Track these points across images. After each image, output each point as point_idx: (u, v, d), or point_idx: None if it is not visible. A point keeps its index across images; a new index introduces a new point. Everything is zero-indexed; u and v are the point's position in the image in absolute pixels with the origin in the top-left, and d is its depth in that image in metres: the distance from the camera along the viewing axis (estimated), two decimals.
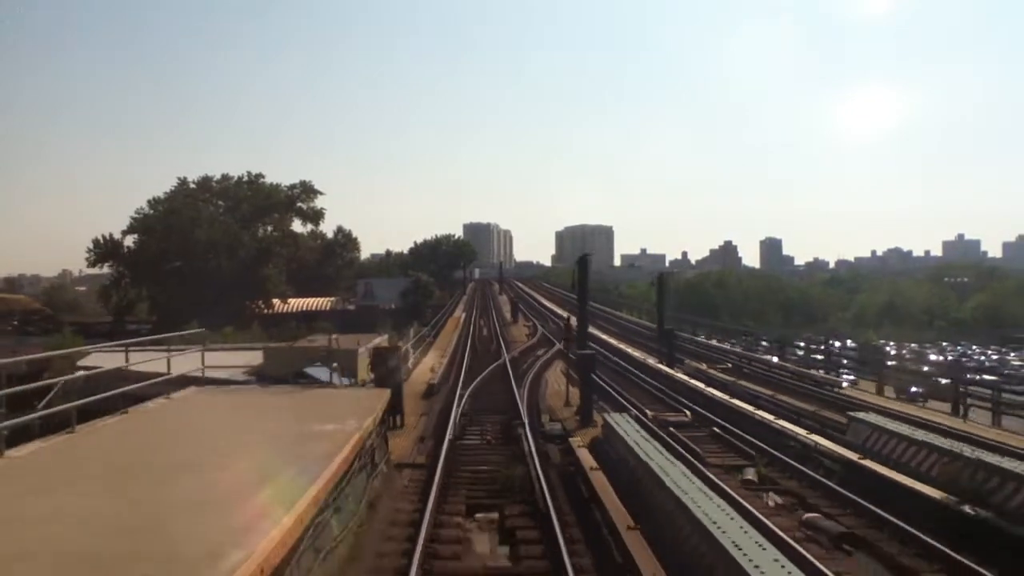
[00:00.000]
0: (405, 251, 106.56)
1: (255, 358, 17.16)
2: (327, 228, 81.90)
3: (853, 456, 13.29)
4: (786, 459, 14.20)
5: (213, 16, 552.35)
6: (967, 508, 10.24)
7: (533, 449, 13.95)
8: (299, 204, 75.40)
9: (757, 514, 10.03)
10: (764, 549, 7.23)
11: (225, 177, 74.42)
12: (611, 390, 22.42)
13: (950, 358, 46.87)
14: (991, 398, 18.15)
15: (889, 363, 28.50)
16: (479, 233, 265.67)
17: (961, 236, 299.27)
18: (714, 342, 37.68)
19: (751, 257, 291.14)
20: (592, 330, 33.89)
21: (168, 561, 5.37)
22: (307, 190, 75.42)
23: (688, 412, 19.10)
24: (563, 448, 15.06)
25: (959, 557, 8.98)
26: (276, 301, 68.89)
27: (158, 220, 67.32)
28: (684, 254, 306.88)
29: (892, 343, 61.31)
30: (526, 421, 16.66)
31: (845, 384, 23.79)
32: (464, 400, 19.38)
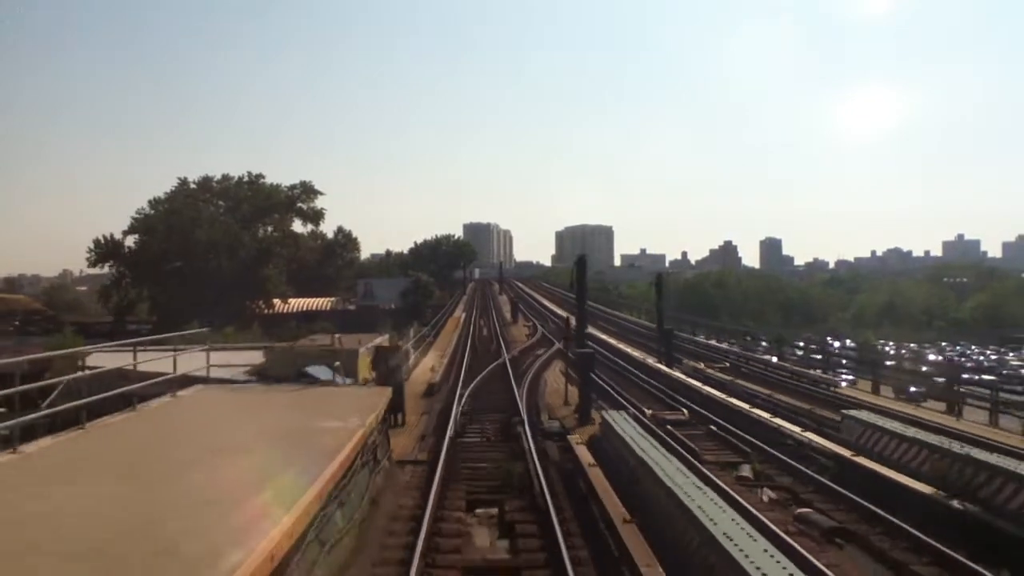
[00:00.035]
0: (405, 251, 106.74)
1: (256, 358, 17.38)
2: (327, 228, 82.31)
3: (846, 453, 13.55)
4: (781, 456, 14.44)
5: (213, 16, 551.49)
6: (956, 503, 10.49)
7: (532, 446, 14.16)
8: (299, 204, 75.70)
9: (750, 508, 10.29)
10: (755, 540, 7.45)
11: (225, 177, 74.79)
12: (610, 389, 22.65)
13: (947, 358, 47.16)
14: (989, 398, 18.38)
15: (887, 363, 28.74)
16: (479, 233, 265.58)
17: (961, 236, 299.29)
18: (713, 342, 37.91)
19: (751, 257, 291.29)
20: (592, 330, 34.16)
21: (185, 536, 5.68)
22: (307, 190, 75.69)
23: (686, 411, 19.33)
24: (562, 445, 15.26)
25: (947, 550, 9.24)
26: (276, 301, 69.13)
27: (159, 220, 67.60)
28: (684, 254, 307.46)
29: (891, 343, 61.58)
30: (525, 419, 16.87)
31: (843, 384, 24.01)
32: (464, 399, 19.58)
